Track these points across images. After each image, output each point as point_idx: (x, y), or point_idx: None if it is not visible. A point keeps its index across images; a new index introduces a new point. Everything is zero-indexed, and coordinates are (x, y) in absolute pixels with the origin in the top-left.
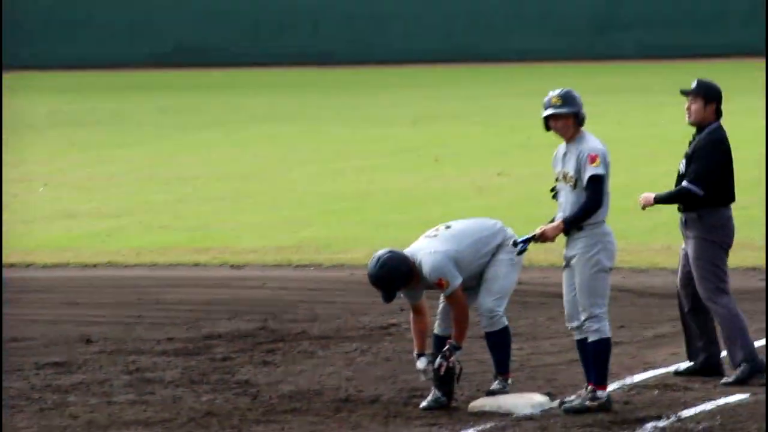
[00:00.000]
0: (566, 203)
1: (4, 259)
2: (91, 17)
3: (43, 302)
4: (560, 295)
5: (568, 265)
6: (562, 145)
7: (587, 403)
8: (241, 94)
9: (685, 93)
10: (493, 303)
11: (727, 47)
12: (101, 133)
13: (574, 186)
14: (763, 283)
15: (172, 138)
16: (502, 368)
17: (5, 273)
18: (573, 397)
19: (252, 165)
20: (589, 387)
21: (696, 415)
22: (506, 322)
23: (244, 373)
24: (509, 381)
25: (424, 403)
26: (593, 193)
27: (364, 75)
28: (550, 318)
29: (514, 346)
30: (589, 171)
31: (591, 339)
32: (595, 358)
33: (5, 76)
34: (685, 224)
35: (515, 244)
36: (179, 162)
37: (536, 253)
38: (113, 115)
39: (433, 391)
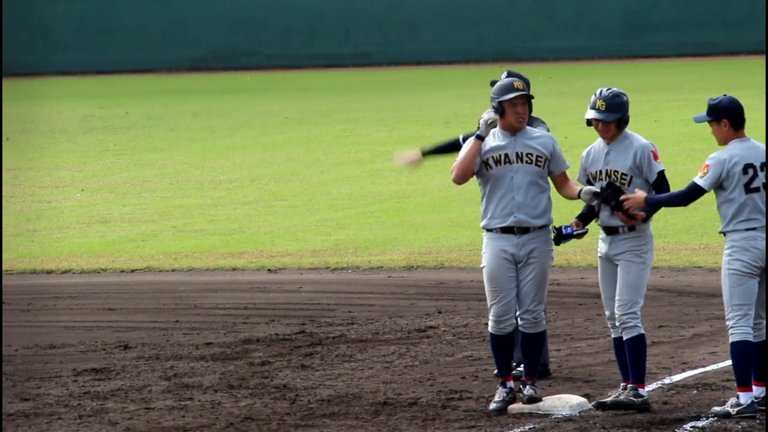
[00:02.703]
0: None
1: (42, 266)
2: (124, 23)
3: (80, 308)
4: (598, 296)
5: (610, 263)
6: (599, 144)
7: (632, 398)
8: (274, 98)
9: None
10: (538, 306)
11: (758, 44)
12: (135, 137)
13: (628, 183)
14: None
15: (206, 142)
16: (534, 371)
17: (42, 279)
18: (611, 396)
19: (286, 168)
20: (629, 385)
21: (735, 415)
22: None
23: (283, 378)
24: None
25: (493, 405)
26: (668, 189)
27: (398, 76)
28: (587, 319)
29: (552, 347)
30: (658, 167)
31: (629, 335)
32: (635, 355)
33: (41, 81)
34: None
35: (561, 235)
36: (213, 166)
37: (573, 253)
38: (147, 119)
39: (499, 391)
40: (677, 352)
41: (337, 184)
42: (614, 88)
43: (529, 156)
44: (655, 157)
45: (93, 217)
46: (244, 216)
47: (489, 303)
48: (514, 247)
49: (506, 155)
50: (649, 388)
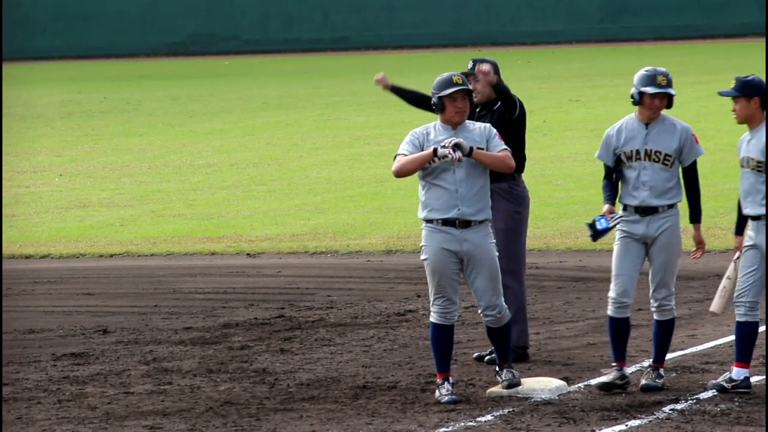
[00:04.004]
0: (653, 182)
1: (20, 251)
2: (102, 8)
3: (58, 293)
4: (577, 279)
5: (639, 243)
6: (632, 123)
7: (657, 381)
8: (252, 82)
9: (467, 75)
10: (499, 300)
11: (736, 28)
12: (113, 122)
13: (671, 164)
14: None
15: (184, 126)
16: (507, 355)
17: (20, 264)
18: (605, 377)
19: (264, 152)
20: (655, 366)
21: (714, 397)
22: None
23: (262, 362)
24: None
25: (446, 398)
26: (697, 174)
27: (376, 61)
28: (566, 302)
29: (531, 330)
30: (700, 150)
31: (667, 317)
32: (668, 336)
33: (19, 66)
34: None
35: (597, 231)
36: (191, 150)
37: (552, 237)
38: (125, 104)
39: (444, 386)
40: None
41: (316, 168)
42: (664, 68)
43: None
44: (696, 140)
45: (71, 201)
46: (223, 200)
47: (432, 296)
48: (456, 242)
49: None
50: (628, 371)
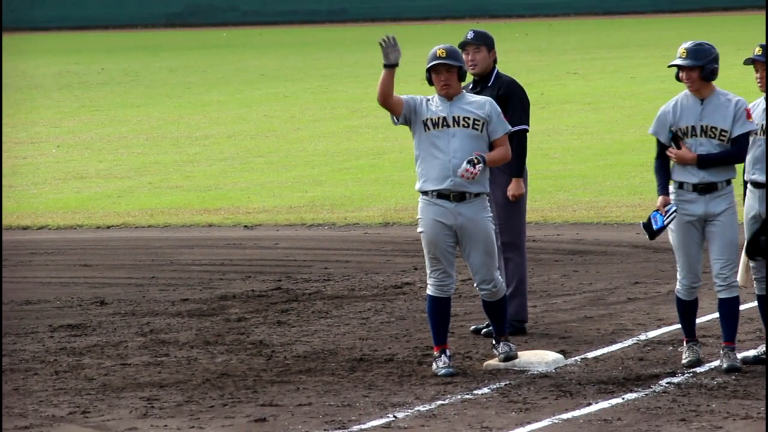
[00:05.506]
0: None
1: (17, 222)
2: None
3: (56, 264)
4: (574, 252)
5: (697, 225)
6: (688, 99)
7: (737, 362)
8: (250, 54)
9: (465, 45)
10: (495, 274)
11: (733, 0)
12: (111, 93)
13: (727, 140)
14: None
15: (182, 98)
16: (504, 329)
17: (18, 236)
18: (688, 355)
19: (262, 124)
20: (731, 346)
21: (710, 370)
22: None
23: (259, 334)
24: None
25: (443, 371)
26: (743, 149)
27: (374, 33)
28: (563, 275)
29: (528, 303)
30: (748, 126)
31: (733, 294)
32: (735, 315)
33: (17, 37)
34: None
35: (653, 230)
36: (189, 122)
37: (549, 210)
38: (123, 75)
39: (441, 359)
40: (653, 309)
41: (314, 140)
42: (701, 40)
43: (466, 120)
44: (748, 116)
45: (69, 173)
46: (221, 172)
47: (429, 269)
48: (450, 215)
49: (444, 118)
50: (625, 344)
